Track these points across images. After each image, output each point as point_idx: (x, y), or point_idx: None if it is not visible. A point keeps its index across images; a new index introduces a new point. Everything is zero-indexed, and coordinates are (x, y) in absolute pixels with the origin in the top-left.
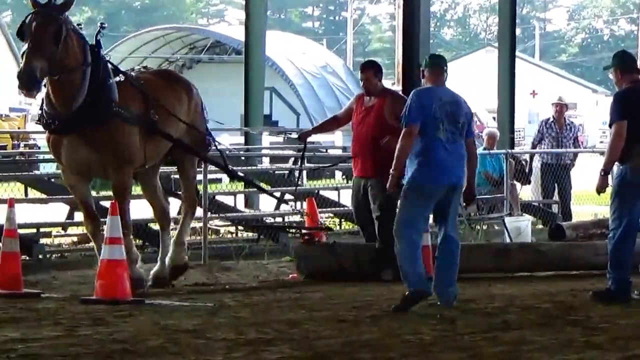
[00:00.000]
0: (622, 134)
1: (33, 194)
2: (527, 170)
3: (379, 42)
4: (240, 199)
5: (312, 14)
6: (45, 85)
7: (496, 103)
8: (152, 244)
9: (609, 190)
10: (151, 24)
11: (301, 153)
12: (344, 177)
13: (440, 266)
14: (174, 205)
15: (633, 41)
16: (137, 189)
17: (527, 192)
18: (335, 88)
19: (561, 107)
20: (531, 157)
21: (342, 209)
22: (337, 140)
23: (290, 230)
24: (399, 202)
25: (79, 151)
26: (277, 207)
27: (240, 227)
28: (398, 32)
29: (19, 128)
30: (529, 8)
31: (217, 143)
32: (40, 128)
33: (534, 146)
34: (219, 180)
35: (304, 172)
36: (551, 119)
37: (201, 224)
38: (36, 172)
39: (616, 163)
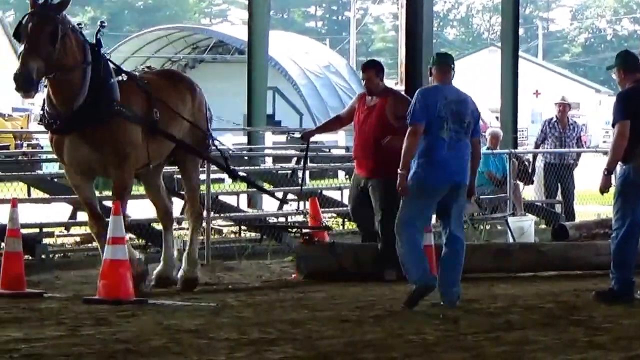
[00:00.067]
0: (625, 133)
1: (36, 193)
2: (529, 170)
3: (382, 42)
4: (243, 198)
5: (315, 13)
6: (46, 86)
7: (499, 103)
8: (154, 244)
9: (612, 190)
10: (154, 23)
11: (304, 153)
12: (346, 176)
13: (444, 266)
14: (177, 206)
15: (636, 41)
16: (140, 189)
17: (530, 192)
18: (338, 88)
19: (564, 107)
20: (534, 157)
21: (345, 208)
22: (340, 140)
23: (291, 230)
24: (401, 201)
25: (81, 150)
26: (280, 207)
27: (243, 227)
28: (401, 32)
29: (21, 128)
30: (532, 8)
31: (218, 143)
32: (42, 128)
33: (537, 146)
34: (222, 180)
35: (307, 172)
36: (554, 119)
37: (204, 224)
38: (39, 172)
39: (619, 163)
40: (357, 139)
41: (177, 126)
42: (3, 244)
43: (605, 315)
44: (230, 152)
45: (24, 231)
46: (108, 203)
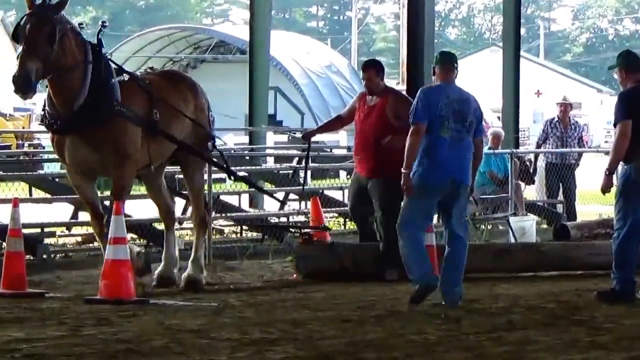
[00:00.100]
0: (626, 133)
1: (37, 193)
2: (531, 170)
3: (384, 42)
4: (245, 198)
5: (317, 13)
6: (47, 86)
7: (501, 103)
8: (156, 243)
9: (613, 190)
10: (155, 23)
11: (305, 153)
12: (348, 176)
13: (446, 265)
14: (178, 205)
15: (638, 41)
16: (141, 189)
17: (532, 192)
18: (339, 88)
19: (566, 107)
20: (536, 157)
21: (346, 208)
22: (342, 140)
23: (292, 230)
24: (402, 200)
25: (81, 151)
26: (282, 207)
27: (244, 227)
28: (402, 32)
29: (23, 128)
30: (533, 8)
31: (219, 143)
32: (44, 128)
33: (538, 146)
34: (223, 180)
35: (308, 172)
36: (556, 119)
37: None
38: (40, 171)
39: (621, 163)
40: (357, 138)
41: (179, 127)
42: (4, 244)
43: (607, 315)
44: (232, 152)
45: (25, 231)
46: (109, 203)
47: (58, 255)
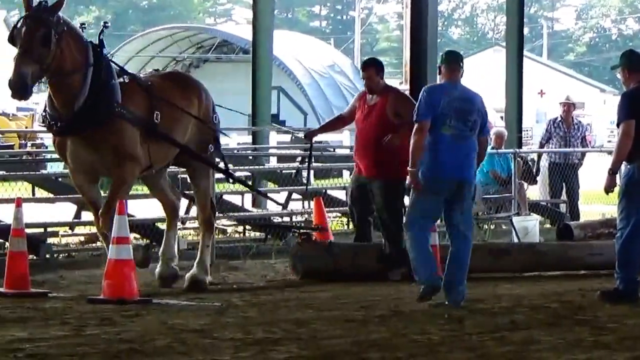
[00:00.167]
0: (629, 133)
1: (40, 193)
2: (533, 170)
3: (387, 42)
4: (248, 198)
5: (320, 13)
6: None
7: (504, 102)
8: (159, 243)
9: (616, 189)
10: (158, 23)
11: (308, 152)
12: (351, 176)
13: (450, 265)
14: (182, 205)
15: None
16: (145, 189)
17: (535, 192)
18: (342, 87)
19: (569, 107)
20: (539, 157)
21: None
22: (345, 140)
23: (296, 231)
24: (403, 200)
25: (82, 152)
26: (285, 207)
27: (247, 227)
28: (406, 32)
29: (26, 127)
30: (536, 7)
31: (224, 142)
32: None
33: (541, 145)
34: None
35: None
36: (559, 119)
37: None
38: (43, 171)
39: (624, 162)
40: (357, 137)
41: (182, 129)
42: (7, 244)
43: (610, 315)
44: (235, 151)
45: (28, 231)
46: None
47: (61, 255)
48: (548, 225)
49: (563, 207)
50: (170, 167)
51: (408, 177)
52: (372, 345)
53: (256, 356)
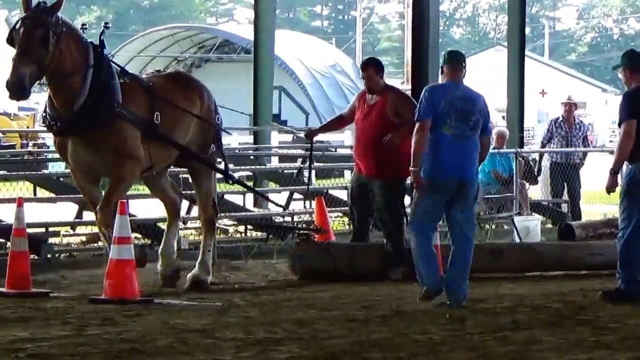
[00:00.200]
0: (631, 133)
1: (42, 193)
2: (535, 170)
3: (388, 41)
4: (249, 198)
5: (321, 13)
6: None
7: (505, 102)
8: (160, 243)
9: (618, 189)
10: (160, 23)
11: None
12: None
13: (452, 264)
14: (183, 205)
15: None
16: (146, 189)
17: (537, 192)
18: (344, 87)
19: (570, 107)
20: (540, 156)
21: None
22: (347, 140)
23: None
24: (403, 200)
25: (83, 152)
26: (286, 207)
27: (249, 227)
28: (407, 31)
29: (27, 127)
30: (538, 7)
31: (226, 142)
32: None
33: (543, 145)
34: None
35: (313, 171)
36: (560, 118)
37: None
38: (45, 171)
39: (625, 162)
40: (357, 137)
41: (183, 130)
42: (9, 244)
43: (612, 315)
44: (237, 151)
45: (29, 230)
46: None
47: (62, 255)
48: (549, 225)
49: (565, 207)
50: (171, 167)
51: (410, 176)
52: (373, 345)
53: (257, 356)
